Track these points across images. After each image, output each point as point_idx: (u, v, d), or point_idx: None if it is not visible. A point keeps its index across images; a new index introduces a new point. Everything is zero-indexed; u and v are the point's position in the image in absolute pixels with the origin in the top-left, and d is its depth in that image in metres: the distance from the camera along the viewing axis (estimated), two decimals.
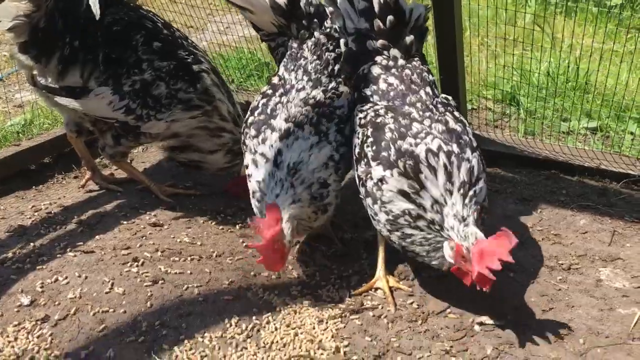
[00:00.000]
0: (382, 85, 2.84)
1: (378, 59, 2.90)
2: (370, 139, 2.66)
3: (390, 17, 2.86)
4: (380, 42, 2.91)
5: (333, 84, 2.94)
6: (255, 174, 2.75)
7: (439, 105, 2.75)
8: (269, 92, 2.95)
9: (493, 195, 3.53)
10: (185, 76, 3.24)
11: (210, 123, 3.35)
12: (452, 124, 2.65)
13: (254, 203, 2.77)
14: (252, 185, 2.76)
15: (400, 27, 2.91)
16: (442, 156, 2.49)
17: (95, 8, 3.02)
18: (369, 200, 2.64)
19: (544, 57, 5.06)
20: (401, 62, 2.89)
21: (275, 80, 3.02)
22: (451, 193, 2.44)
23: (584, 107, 4.37)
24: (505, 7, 4.40)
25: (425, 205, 2.45)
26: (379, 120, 2.69)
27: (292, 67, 3.00)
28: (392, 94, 2.80)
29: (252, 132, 2.83)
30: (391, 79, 2.84)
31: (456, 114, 2.75)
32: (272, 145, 2.74)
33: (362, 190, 2.70)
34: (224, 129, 3.37)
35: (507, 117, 4.55)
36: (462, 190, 2.45)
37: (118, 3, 3.27)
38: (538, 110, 4.40)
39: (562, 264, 2.93)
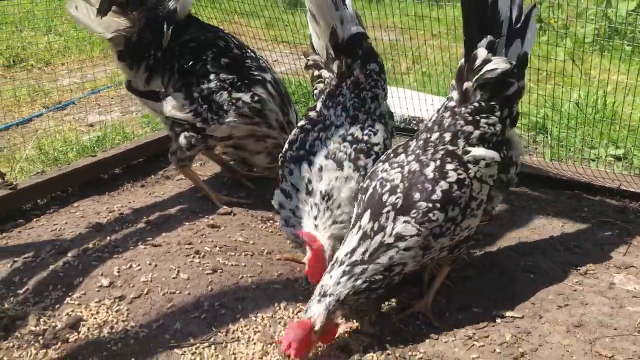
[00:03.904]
0: None
1: None
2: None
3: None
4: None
5: (369, 122, 3.13)
6: (289, 204, 3.03)
7: None
8: (308, 126, 3.15)
9: (519, 211, 3.86)
10: (243, 88, 3.67)
11: (257, 131, 3.77)
12: None
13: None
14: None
15: None
16: None
17: (167, 35, 3.65)
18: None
19: (575, 91, 5.36)
20: None
21: (312, 114, 3.21)
22: None
23: (610, 136, 4.66)
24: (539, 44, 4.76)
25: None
26: None
27: (331, 104, 3.19)
28: None
29: (292, 166, 3.06)
30: None
31: None
32: (303, 177, 2.99)
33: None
34: (269, 135, 3.79)
35: (537, 144, 4.88)
36: None
37: (200, 26, 3.83)
38: (566, 138, 4.71)
39: (579, 270, 3.22)
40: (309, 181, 2.96)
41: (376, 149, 3.03)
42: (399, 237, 2.60)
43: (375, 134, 3.08)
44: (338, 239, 2.86)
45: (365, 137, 3.04)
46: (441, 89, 5.46)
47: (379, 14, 5.26)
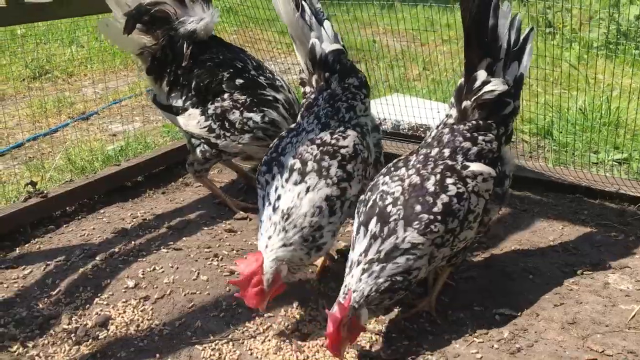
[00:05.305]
0: None
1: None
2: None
3: None
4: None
5: (341, 128, 3.20)
6: (260, 214, 3.08)
7: None
8: (284, 134, 3.28)
9: (521, 214, 4.05)
10: (255, 109, 3.88)
11: None
12: None
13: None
14: (258, 223, 3.07)
15: None
16: None
17: (186, 53, 3.86)
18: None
19: (581, 96, 5.50)
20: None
21: (293, 125, 3.39)
22: None
23: (613, 141, 4.81)
24: (546, 51, 4.90)
25: None
26: None
27: (307, 114, 3.31)
28: None
29: (264, 168, 3.16)
30: None
31: None
32: (276, 188, 3.02)
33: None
34: None
35: (541, 148, 5.04)
36: None
37: (222, 46, 4.07)
38: (570, 143, 4.88)
39: (576, 270, 3.39)
40: (278, 197, 2.99)
41: (343, 151, 3.07)
42: (414, 245, 2.73)
43: (344, 138, 3.12)
44: (282, 260, 2.92)
45: (333, 141, 3.10)
46: (450, 96, 5.62)
47: (390, 20, 5.41)
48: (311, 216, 2.94)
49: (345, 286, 2.75)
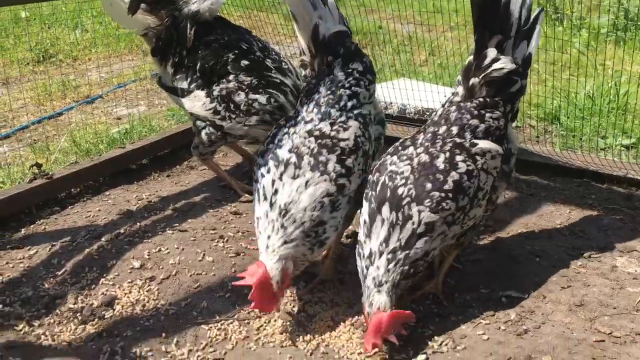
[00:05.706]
0: None
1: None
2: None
3: None
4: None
5: (343, 118, 3.04)
6: (256, 210, 2.94)
7: None
8: (282, 122, 3.14)
9: (528, 198, 4.02)
10: (260, 90, 3.84)
11: None
12: None
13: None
14: (255, 220, 2.95)
15: None
16: None
17: (190, 34, 3.83)
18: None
19: (589, 81, 5.45)
20: None
21: (291, 113, 3.25)
22: None
23: (621, 125, 4.78)
24: (555, 35, 4.85)
25: None
26: None
27: (306, 101, 3.13)
28: None
29: (260, 160, 3.03)
30: None
31: None
32: (272, 181, 2.89)
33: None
34: None
35: (549, 133, 5.01)
36: None
37: (227, 27, 4.03)
38: (577, 128, 4.84)
39: (583, 253, 3.37)
40: (275, 192, 2.87)
41: (342, 144, 2.93)
42: (429, 225, 2.71)
43: (345, 129, 2.97)
44: (285, 258, 2.82)
45: (333, 133, 2.95)
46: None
47: (398, 5, 5.35)
48: (312, 210, 2.83)
49: (374, 278, 2.69)
